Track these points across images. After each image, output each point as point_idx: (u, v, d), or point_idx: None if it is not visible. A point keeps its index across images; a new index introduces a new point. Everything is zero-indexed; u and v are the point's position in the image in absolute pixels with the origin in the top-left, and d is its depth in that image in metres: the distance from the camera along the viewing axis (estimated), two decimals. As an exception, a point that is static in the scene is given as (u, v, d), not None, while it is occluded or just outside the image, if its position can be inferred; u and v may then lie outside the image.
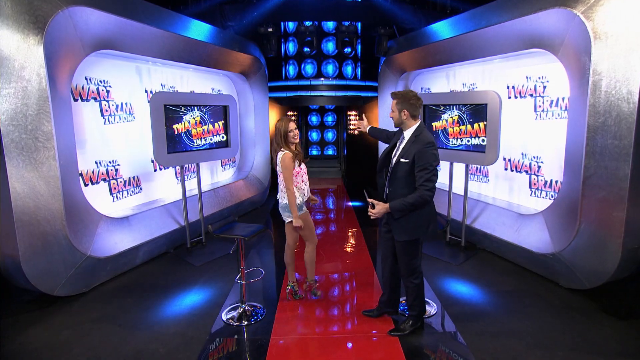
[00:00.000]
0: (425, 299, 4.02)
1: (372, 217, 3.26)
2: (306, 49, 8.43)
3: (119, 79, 5.37)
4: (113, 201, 5.36)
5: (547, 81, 5.18)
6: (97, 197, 5.05)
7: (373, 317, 3.78)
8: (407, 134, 3.29)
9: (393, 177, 3.28)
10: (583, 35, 3.92)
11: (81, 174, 4.81)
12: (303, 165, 3.95)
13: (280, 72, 9.90)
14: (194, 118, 5.64)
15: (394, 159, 3.29)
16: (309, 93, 9.79)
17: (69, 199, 4.14)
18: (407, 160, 3.18)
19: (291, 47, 9.53)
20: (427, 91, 7.67)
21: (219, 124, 6.09)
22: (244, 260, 3.91)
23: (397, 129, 3.43)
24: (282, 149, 3.80)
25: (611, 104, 3.74)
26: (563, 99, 4.96)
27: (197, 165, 5.87)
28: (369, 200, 3.28)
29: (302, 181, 3.93)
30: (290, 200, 3.76)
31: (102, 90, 5.12)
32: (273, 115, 9.64)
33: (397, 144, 3.36)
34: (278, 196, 3.97)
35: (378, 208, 3.21)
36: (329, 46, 9.22)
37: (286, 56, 9.81)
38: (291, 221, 3.90)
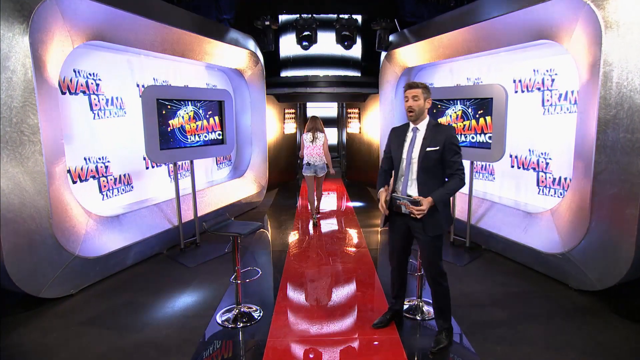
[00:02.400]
0: (428, 300, 3.98)
1: (419, 216, 3.10)
2: (305, 43, 8.35)
3: (110, 72, 5.32)
4: (103, 199, 5.31)
5: (556, 74, 5.14)
6: (86, 195, 4.99)
7: (384, 327, 3.61)
8: (422, 125, 3.26)
9: (423, 170, 3.18)
10: (593, 25, 3.88)
11: (69, 171, 4.76)
12: (316, 144, 6.64)
13: (278, 68, 9.84)
14: (187, 113, 5.59)
15: (418, 152, 3.19)
16: (308, 89, 9.72)
17: (56, 196, 4.08)
18: (437, 148, 3.14)
19: (289, 41, 9.48)
20: (430, 86, 7.61)
21: (214, 120, 6.04)
22: (240, 259, 3.85)
23: (410, 126, 3.31)
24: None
25: (623, 96, 3.70)
26: (572, 92, 4.92)
27: (191, 162, 5.82)
28: (415, 197, 3.11)
29: (313, 154, 6.64)
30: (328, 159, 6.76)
31: (92, 83, 5.07)
32: (270, 112, 9.59)
33: (411, 139, 3.26)
34: (313, 160, 6.64)
35: (426, 203, 3.07)
36: (329, 40, 9.16)
37: (284, 50, 9.77)
38: (324, 175, 6.77)
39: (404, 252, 3.49)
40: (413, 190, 3.23)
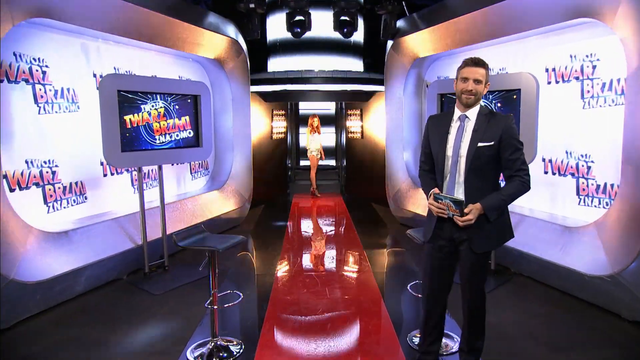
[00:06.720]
0: (447, 332, 3.79)
1: (462, 225, 2.86)
2: (297, 30, 8.30)
3: (59, 58, 5.20)
4: (48, 212, 5.14)
5: (598, 59, 5.08)
6: (27, 206, 4.81)
7: None
8: (472, 113, 2.99)
9: (473, 170, 2.93)
10: (644, -4, 3.80)
11: (6, 176, 4.59)
12: (314, 136, 10.44)
13: (265, 61, 9.78)
14: (156, 109, 5.46)
15: (467, 147, 2.94)
16: (301, 87, 9.65)
17: (-12, 205, 3.90)
18: (491, 143, 2.88)
19: (278, 28, 9.45)
20: (446, 79, 7.57)
21: (186, 119, 5.92)
22: (218, 283, 3.68)
23: (458, 113, 3.04)
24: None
25: (683, 80, 3.59)
26: (618, 80, 4.85)
27: (160, 168, 5.68)
28: (462, 198, 2.87)
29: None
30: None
31: (37, 70, 4.94)
32: (256, 112, 9.49)
33: (458, 129, 3.01)
34: (313, 147, 10.45)
35: (474, 211, 2.83)
36: (325, 27, 9.13)
37: (271, 40, 9.73)
38: (320, 157, 10.56)
39: (443, 280, 3.13)
40: (460, 196, 2.95)
